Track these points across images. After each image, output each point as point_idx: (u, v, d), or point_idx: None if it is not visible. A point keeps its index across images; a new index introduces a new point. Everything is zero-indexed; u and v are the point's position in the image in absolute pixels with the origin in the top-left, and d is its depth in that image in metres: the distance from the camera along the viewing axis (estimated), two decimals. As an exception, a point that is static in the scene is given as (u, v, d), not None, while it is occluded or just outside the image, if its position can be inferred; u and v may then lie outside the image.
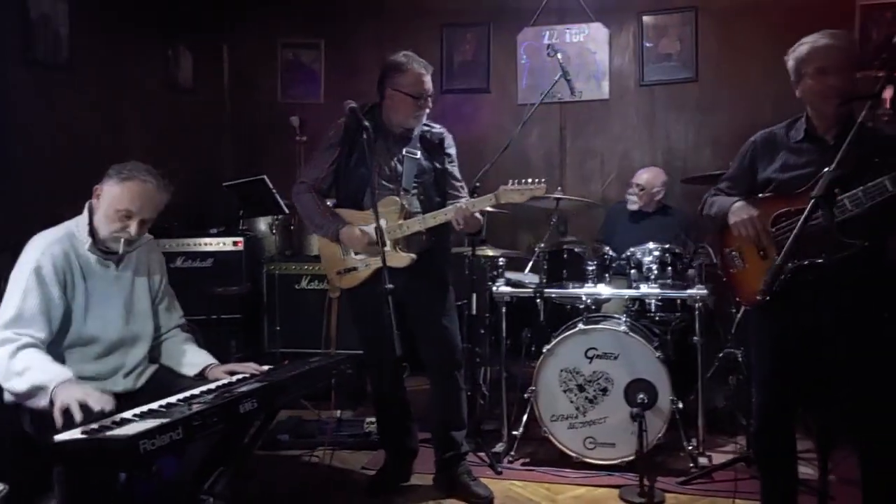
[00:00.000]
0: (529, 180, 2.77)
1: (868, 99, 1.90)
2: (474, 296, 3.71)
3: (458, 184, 3.06)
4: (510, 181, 2.80)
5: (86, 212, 2.30)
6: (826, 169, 1.90)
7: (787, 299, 2.23)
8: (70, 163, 3.95)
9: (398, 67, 2.88)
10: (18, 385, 2.04)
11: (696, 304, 3.32)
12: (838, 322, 2.11)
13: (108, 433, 1.71)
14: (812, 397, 2.40)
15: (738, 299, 2.61)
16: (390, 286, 2.45)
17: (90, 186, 2.37)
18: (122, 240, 2.27)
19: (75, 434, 1.71)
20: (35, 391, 2.02)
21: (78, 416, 1.89)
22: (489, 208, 3.80)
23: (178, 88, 5.15)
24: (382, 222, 2.82)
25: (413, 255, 2.85)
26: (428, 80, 2.90)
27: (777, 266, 1.78)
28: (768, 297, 2.23)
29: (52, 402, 1.97)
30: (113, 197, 2.24)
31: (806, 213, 1.79)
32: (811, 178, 2.16)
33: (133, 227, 2.26)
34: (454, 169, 3.07)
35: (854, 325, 2.19)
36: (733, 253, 2.49)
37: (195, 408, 1.86)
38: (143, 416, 1.85)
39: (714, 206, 2.52)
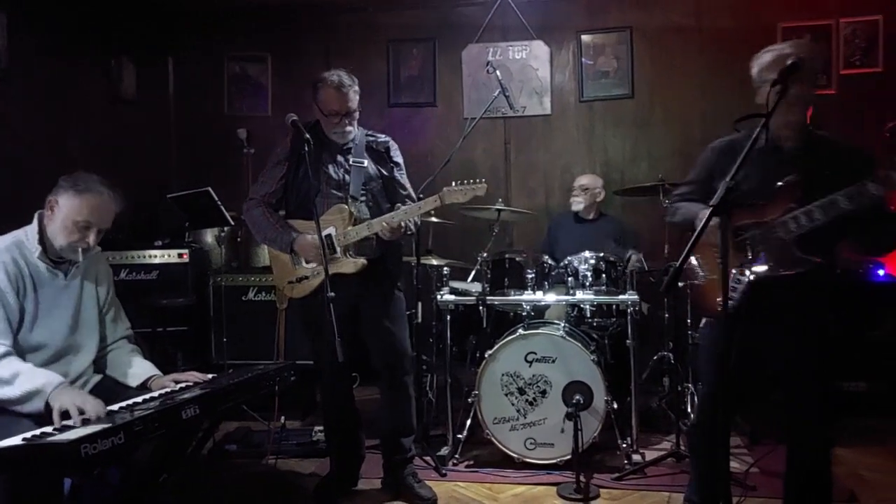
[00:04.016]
0: (471, 181, 2.89)
1: (762, 117, 2.02)
2: (420, 304, 3.79)
3: (404, 193, 3.14)
4: (453, 182, 2.91)
5: (35, 221, 2.33)
6: (727, 179, 1.94)
7: (742, 313, 2.26)
8: (6, 174, 3.91)
9: (315, 85, 2.96)
10: (10, 392, 2.09)
11: (629, 309, 3.48)
12: (788, 336, 2.21)
13: (50, 439, 1.75)
14: (749, 400, 2.47)
15: (701, 309, 2.59)
16: (332, 294, 2.52)
17: (29, 197, 2.39)
18: (80, 249, 2.31)
19: (16, 440, 1.74)
20: (29, 396, 2.08)
21: (77, 419, 1.94)
22: (435, 219, 3.96)
23: (122, 100, 5.12)
24: (332, 229, 2.90)
25: (363, 261, 2.92)
26: (346, 97, 2.90)
27: (675, 269, 1.85)
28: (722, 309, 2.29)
29: (47, 406, 2.03)
30: (71, 209, 2.28)
31: (703, 221, 1.88)
32: (769, 188, 2.21)
33: (91, 238, 2.32)
34: (402, 177, 3.15)
35: (802, 337, 2.28)
36: (694, 262, 2.49)
37: (137, 414, 1.90)
38: (84, 422, 1.89)
39: (678, 213, 2.52)
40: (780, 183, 1.88)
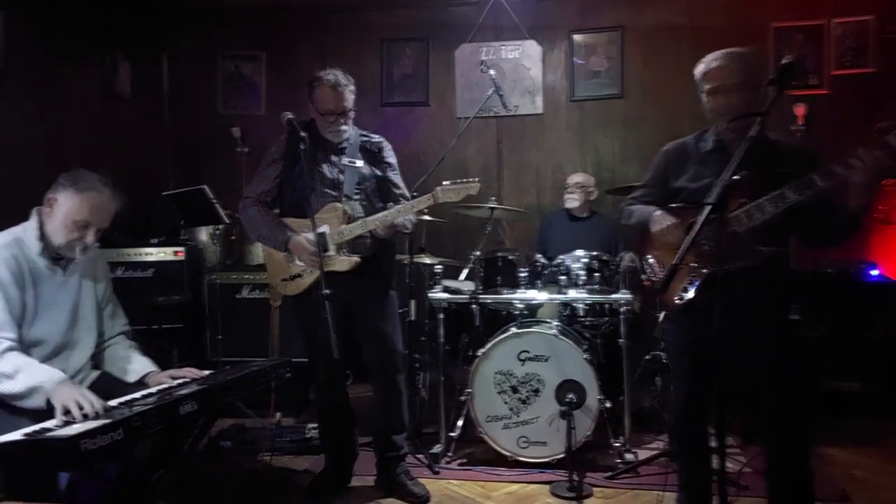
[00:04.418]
0: (464, 179, 2.93)
1: (758, 115, 2.05)
2: (413, 302, 3.82)
3: (398, 192, 3.16)
4: (445, 181, 2.94)
5: (34, 218, 2.34)
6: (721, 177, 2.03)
7: (702, 306, 2.31)
8: (5, 171, 3.91)
9: (311, 84, 2.99)
10: (12, 387, 2.10)
11: (622, 309, 3.51)
12: (748, 327, 2.24)
13: (50, 434, 1.76)
14: (727, 398, 2.51)
15: (658, 305, 2.70)
16: (327, 291, 2.55)
17: (27, 194, 2.40)
18: (78, 248, 2.32)
19: (16, 436, 1.76)
20: (30, 392, 2.10)
21: (78, 414, 1.95)
22: (428, 217, 3.99)
23: (117, 97, 5.13)
24: (325, 228, 2.92)
25: (356, 259, 2.95)
26: (342, 97, 2.94)
27: (671, 266, 1.91)
28: (681, 301, 2.37)
29: (48, 401, 2.05)
30: (71, 208, 2.29)
31: (701, 219, 1.92)
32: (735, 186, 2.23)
33: (90, 237, 2.33)
34: (395, 177, 3.18)
35: (762, 329, 2.34)
36: (651, 261, 2.60)
37: (136, 409, 1.91)
38: (83, 417, 1.91)
39: (633, 216, 2.62)
40: (735, 177, 1.94)
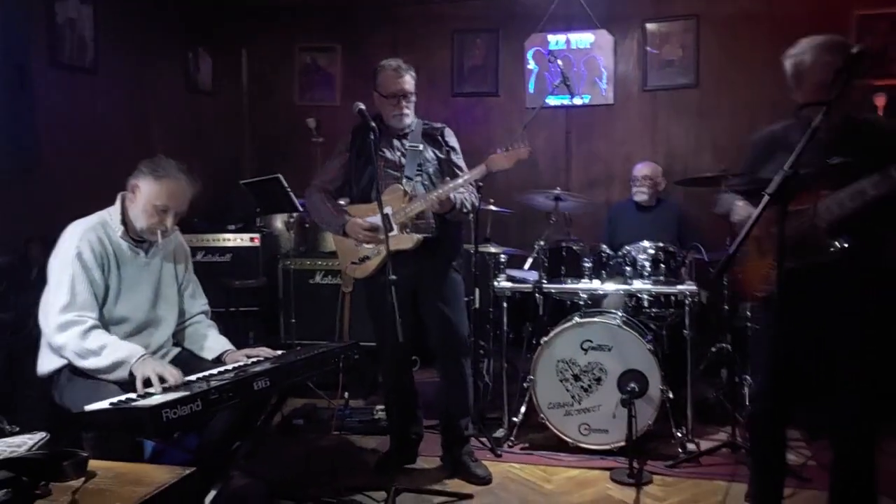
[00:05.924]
0: (514, 145, 2.96)
1: (824, 105, 2.00)
2: (477, 291, 3.88)
3: (461, 175, 3.22)
4: (498, 150, 2.99)
5: (118, 203, 2.50)
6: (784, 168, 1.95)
7: (787, 298, 2.23)
8: (94, 160, 4.20)
9: (375, 71, 3.13)
10: (99, 362, 2.26)
11: (687, 300, 3.48)
12: (826, 322, 2.21)
13: (134, 404, 1.91)
14: (804, 391, 2.48)
15: (742, 294, 2.66)
16: (393, 277, 2.63)
17: (114, 181, 2.56)
18: (159, 231, 2.48)
19: (104, 404, 1.91)
20: (115, 366, 2.25)
21: (158, 387, 2.10)
22: (493, 207, 4.03)
23: (199, 90, 5.39)
24: (388, 209, 3.01)
25: (419, 236, 3.03)
26: (403, 80, 3.07)
27: (726, 257, 1.89)
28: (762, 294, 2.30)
29: (130, 374, 2.21)
30: (151, 193, 2.43)
31: (758, 210, 1.90)
32: (808, 177, 2.16)
33: (169, 221, 2.48)
34: (458, 160, 3.25)
35: (841, 324, 2.28)
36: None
37: (213, 384, 2.04)
38: (165, 390, 2.06)
39: (721, 204, 2.61)
40: (804, 170, 1.87)
